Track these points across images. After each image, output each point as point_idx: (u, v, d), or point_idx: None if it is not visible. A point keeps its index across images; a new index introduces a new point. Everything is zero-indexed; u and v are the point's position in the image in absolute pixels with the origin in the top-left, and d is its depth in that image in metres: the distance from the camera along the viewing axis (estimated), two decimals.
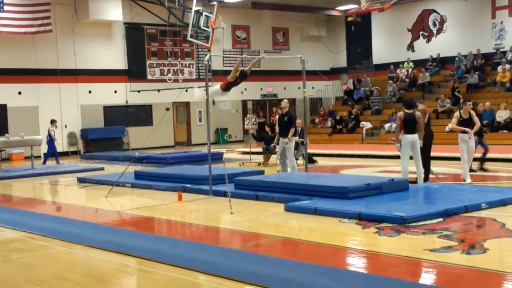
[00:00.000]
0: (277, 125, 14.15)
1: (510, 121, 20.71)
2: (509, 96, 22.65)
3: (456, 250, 6.49)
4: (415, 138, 11.11)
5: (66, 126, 25.04)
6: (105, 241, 7.70)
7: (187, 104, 28.22)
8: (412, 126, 11.09)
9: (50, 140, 19.73)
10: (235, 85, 12.14)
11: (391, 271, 5.88)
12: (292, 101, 29.06)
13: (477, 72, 24.75)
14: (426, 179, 11.58)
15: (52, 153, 19.91)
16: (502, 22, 26.09)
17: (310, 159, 16.09)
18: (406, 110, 11.18)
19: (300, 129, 16.20)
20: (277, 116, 14.97)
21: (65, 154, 24.63)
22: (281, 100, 15.89)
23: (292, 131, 13.34)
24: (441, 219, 8.11)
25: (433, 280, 5.69)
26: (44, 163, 19.93)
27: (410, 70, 27.87)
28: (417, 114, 11.16)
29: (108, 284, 5.91)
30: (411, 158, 11.23)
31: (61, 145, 24.67)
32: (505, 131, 20.42)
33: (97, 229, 8.75)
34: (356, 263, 6.42)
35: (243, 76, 11.84)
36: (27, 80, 23.81)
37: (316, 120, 27.78)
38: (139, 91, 26.23)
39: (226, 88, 12.11)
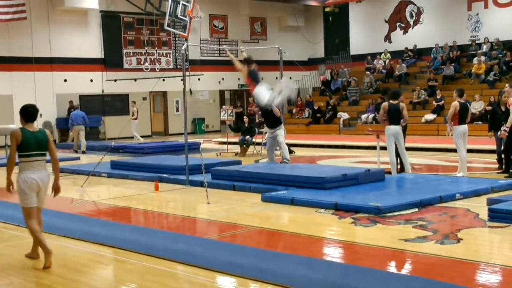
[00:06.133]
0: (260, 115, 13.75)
1: (484, 113, 20.93)
2: (484, 88, 22.88)
3: (430, 240, 6.56)
4: (398, 129, 11.25)
5: (41, 115, 24.69)
6: (80, 231, 7.63)
7: (164, 94, 28.05)
8: (395, 117, 11.23)
9: None
10: (253, 70, 13.23)
11: (367, 261, 5.92)
12: None
13: (453, 64, 24.95)
14: (402, 169, 11.69)
15: None
16: (477, 14, 26.28)
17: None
18: (391, 101, 11.33)
19: None
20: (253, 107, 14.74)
21: None
22: None
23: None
24: (416, 209, 8.19)
25: (408, 270, 5.75)
26: None
27: (387, 61, 27.98)
28: (401, 105, 11.28)
29: (83, 274, 5.87)
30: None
31: None
32: (479, 122, 20.62)
33: (73, 219, 8.69)
34: (333, 253, 6.45)
35: (249, 61, 13.06)
36: (1, 68, 23.44)
37: (294, 111, 27.80)
38: (115, 80, 25.96)
39: (253, 79, 13.05)
